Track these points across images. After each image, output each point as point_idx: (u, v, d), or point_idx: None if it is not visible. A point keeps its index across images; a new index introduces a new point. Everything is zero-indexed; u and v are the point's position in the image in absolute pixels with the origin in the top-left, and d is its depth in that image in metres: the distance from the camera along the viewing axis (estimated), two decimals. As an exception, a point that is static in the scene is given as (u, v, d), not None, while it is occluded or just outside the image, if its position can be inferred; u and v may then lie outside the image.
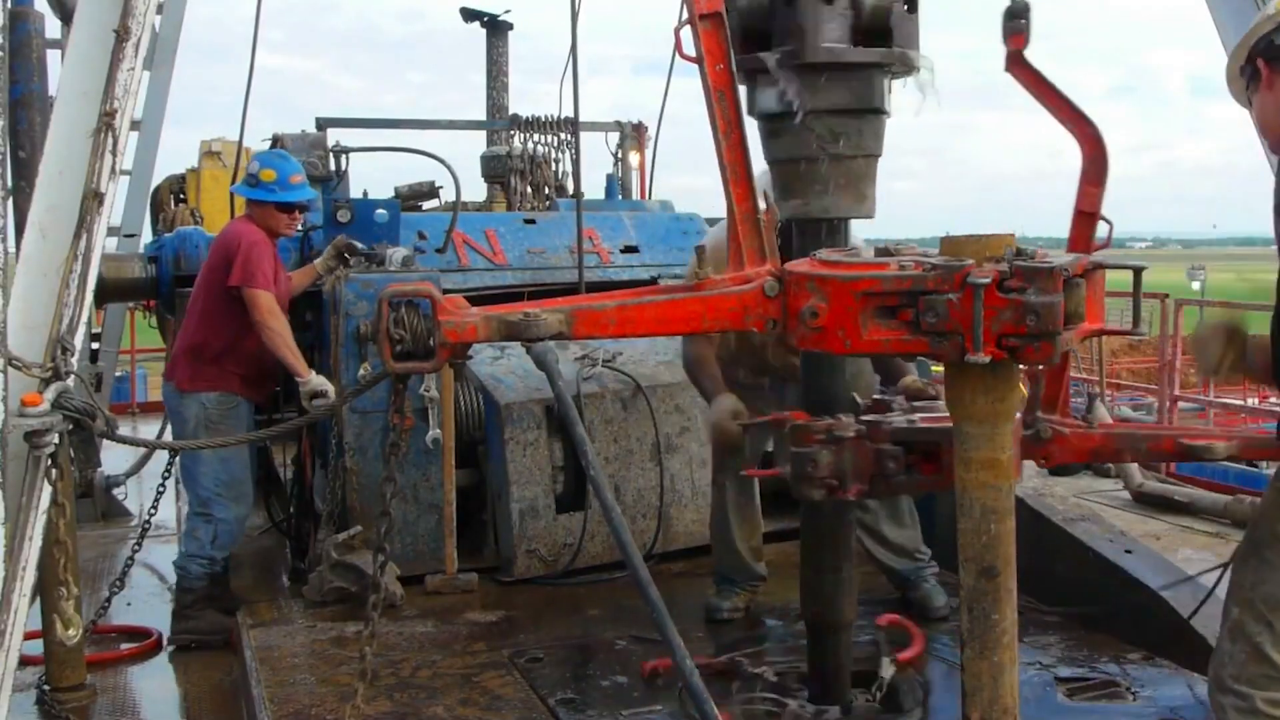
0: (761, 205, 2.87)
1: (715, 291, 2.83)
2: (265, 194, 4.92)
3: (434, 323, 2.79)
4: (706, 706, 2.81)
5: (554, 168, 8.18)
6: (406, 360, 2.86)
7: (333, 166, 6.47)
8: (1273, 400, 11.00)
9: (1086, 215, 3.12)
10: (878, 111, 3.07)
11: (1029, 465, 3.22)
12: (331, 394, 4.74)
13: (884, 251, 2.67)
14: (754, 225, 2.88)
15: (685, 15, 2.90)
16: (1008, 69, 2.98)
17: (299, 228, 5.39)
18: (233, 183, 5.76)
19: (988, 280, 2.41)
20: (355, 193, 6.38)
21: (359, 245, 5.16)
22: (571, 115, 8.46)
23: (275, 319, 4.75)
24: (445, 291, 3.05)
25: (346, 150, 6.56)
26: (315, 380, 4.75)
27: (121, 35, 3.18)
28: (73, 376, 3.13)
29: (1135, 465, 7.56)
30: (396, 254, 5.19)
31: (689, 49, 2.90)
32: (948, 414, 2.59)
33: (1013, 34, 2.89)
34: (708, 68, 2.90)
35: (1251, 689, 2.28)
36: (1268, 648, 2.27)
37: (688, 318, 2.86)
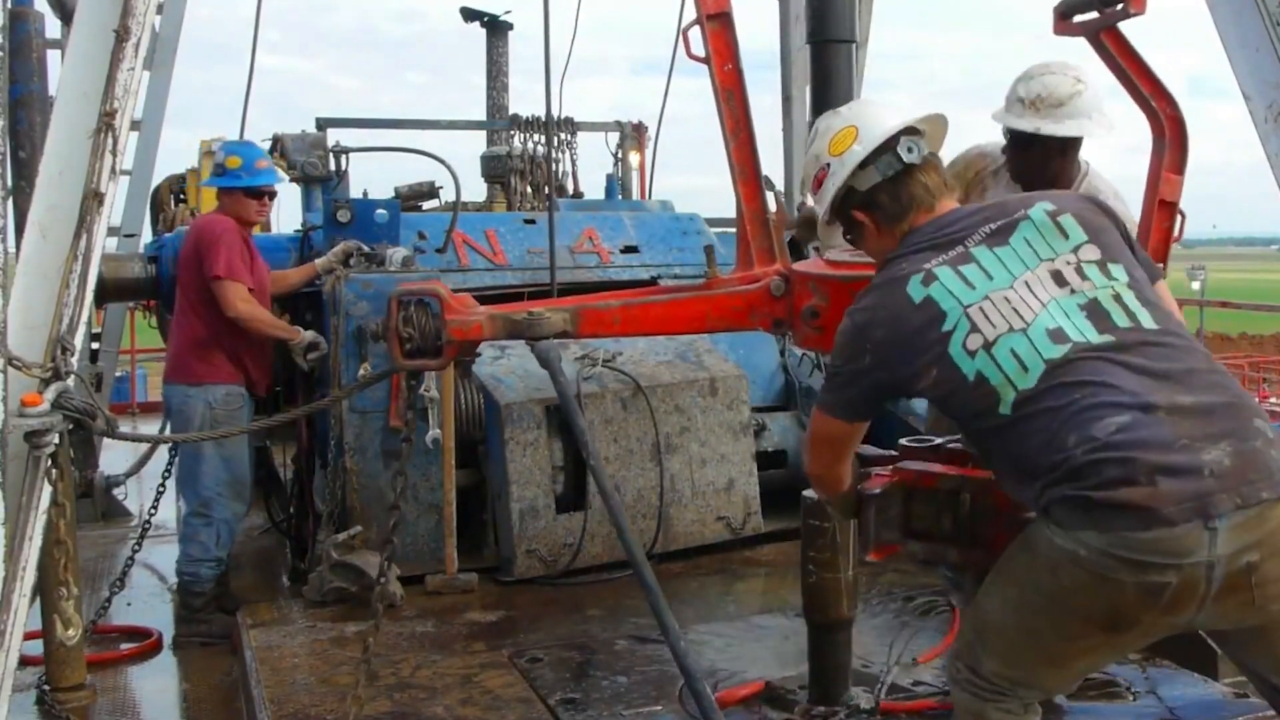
0: (771, 206, 2.88)
1: (721, 291, 2.84)
2: (232, 180, 4.95)
3: (442, 321, 2.81)
4: (699, 685, 2.81)
5: (554, 168, 8.17)
6: (415, 358, 2.88)
7: (333, 166, 6.47)
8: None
9: (1168, 205, 3.01)
10: None
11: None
12: (324, 345, 4.89)
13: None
14: (763, 225, 2.89)
15: (694, 15, 2.91)
16: (1095, 38, 2.88)
17: (295, 224, 5.39)
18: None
19: (986, 279, 2.41)
20: (355, 193, 6.38)
21: (365, 248, 5.16)
22: (570, 116, 8.52)
23: (247, 304, 4.81)
24: (446, 291, 3.06)
25: (346, 150, 6.54)
26: (307, 335, 4.89)
27: (121, 35, 3.18)
28: (73, 376, 3.13)
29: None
30: (396, 254, 5.19)
31: (697, 49, 2.91)
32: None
33: None
34: (716, 68, 2.91)
35: (962, 666, 2.43)
36: (977, 643, 2.40)
37: (692, 317, 2.87)
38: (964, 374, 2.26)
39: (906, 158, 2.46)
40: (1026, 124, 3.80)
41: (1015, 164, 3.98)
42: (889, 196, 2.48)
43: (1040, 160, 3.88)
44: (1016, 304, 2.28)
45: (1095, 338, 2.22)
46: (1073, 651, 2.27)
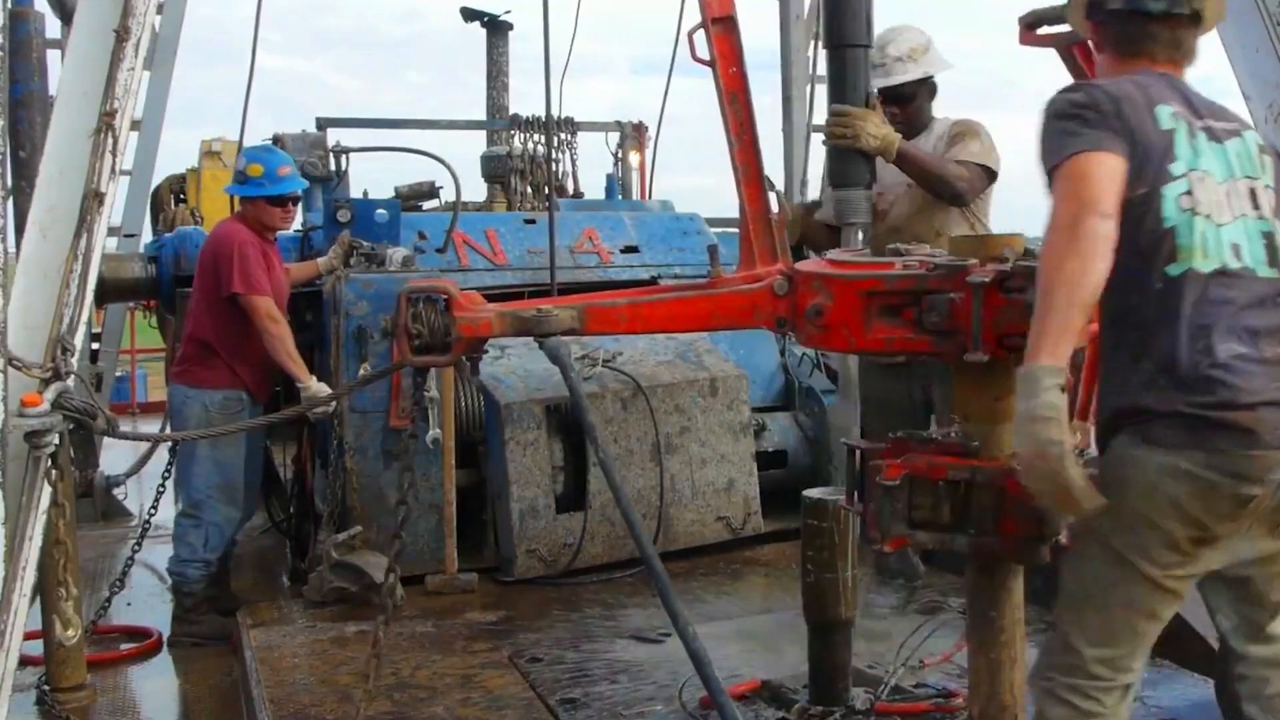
0: (773, 207, 2.89)
1: (725, 289, 2.85)
2: (255, 189, 4.90)
3: (450, 318, 2.82)
4: (707, 670, 2.80)
5: (553, 168, 8.16)
6: (424, 354, 2.89)
7: (333, 166, 6.47)
8: None
9: None
10: None
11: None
12: (330, 406, 4.75)
13: (895, 251, 2.68)
14: (766, 225, 2.90)
15: (698, 19, 2.92)
16: (1065, 50, 2.90)
17: (295, 224, 5.36)
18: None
19: (987, 279, 2.42)
20: (355, 193, 6.38)
21: (365, 244, 5.15)
22: (570, 116, 8.52)
23: (276, 324, 4.74)
24: (450, 291, 3.06)
25: (346, 150, 6.55)
26: (316, 386, 4.75)
27: (121, 35, 3.18)
28: (73, 376, 3.13)
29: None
30: (396, 254, 5.19)
31: (701, 52, 2.92)
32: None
33: None
34: (721, 71, 2.92)
35: (1056, 674, 2.41)
36: (1073, 637, 2.40)
37: (698, 315, 2.89)
38: (1164, 217, 2.31)
39: (1152, 5, 2.46)
40: (919, 71, 4.36)
41: (905, 116, 4.36)
42: (1118, 24, 2.51)
43: (920, 107, 4.44)
44: (1221, 200, 2.36)
45: (1263, 270, 2.36)
46: (1163, 589, 2.34)
